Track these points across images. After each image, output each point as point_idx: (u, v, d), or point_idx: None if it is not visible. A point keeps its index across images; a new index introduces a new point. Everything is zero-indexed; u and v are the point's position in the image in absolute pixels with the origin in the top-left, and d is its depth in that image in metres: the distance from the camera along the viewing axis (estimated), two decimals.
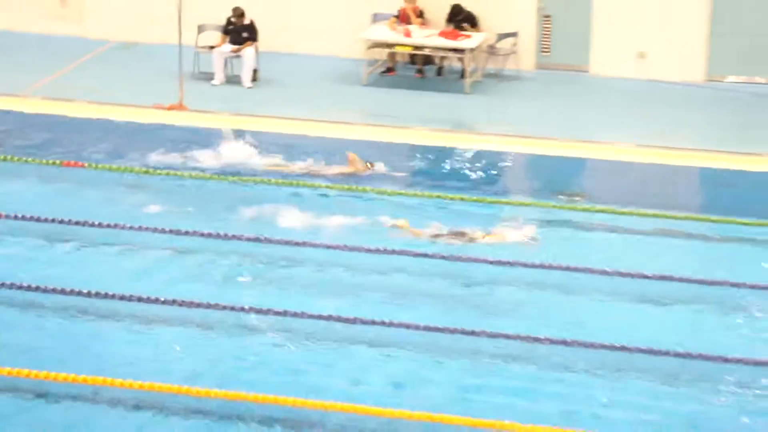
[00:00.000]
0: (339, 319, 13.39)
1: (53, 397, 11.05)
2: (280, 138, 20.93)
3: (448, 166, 19.79)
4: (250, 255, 15.43)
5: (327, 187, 18.61)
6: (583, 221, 17.98)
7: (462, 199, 18.32)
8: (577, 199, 18.68)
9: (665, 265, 15.71)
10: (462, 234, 16.81)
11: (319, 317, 13.47)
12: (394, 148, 21.16)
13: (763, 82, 25.93)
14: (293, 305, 13.51)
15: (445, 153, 20.36)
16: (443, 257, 15.80)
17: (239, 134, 20.34)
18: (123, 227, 16.02)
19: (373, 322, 13.18)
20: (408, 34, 24.00)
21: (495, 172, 19.98)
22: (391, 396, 12.46)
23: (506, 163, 20.68)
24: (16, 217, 16.25)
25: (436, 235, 16.76)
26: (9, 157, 19.20)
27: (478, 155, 20.05)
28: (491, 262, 15.50)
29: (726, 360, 12.47)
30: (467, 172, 19.56)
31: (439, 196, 18.50)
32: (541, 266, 15.47)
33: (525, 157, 21.41)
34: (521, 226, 16.89)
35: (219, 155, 19.24)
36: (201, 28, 24.43)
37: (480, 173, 19.53)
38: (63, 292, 13.64)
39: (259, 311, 13.63)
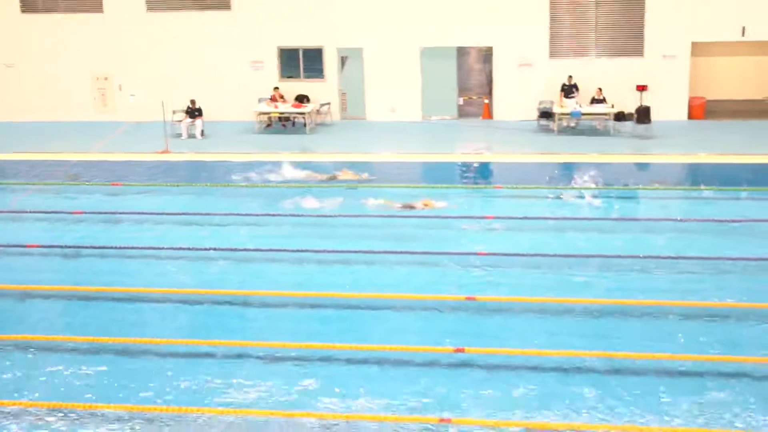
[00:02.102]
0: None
1: None
2: (238, 164, 30.03)
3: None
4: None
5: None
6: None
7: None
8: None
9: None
10: (411, 206, 24.83)
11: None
12: (286, 164, 29.33)
13: (449, 118, 37.20)
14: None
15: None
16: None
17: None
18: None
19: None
20: (276, 107, 35.40)
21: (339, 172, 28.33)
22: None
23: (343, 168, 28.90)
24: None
25: (404, 206, 24.88)
26: (87, 182, 28.47)
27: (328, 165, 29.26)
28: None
29: None
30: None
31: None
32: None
33: (347, 164, 29.38)
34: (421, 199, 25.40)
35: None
36: (174, 111, 35.06)
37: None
38: None
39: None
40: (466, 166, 30.38)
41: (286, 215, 24.47)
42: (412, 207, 24.71)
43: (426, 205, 24.75)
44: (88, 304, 19.19)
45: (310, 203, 25.40)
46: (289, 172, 28.67)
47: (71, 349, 16.49)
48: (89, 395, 14.40)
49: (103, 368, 15.61)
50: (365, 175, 27.97)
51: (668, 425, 13.31)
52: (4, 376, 15.03)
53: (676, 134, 33.24)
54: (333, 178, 27.96)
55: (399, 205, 24.86)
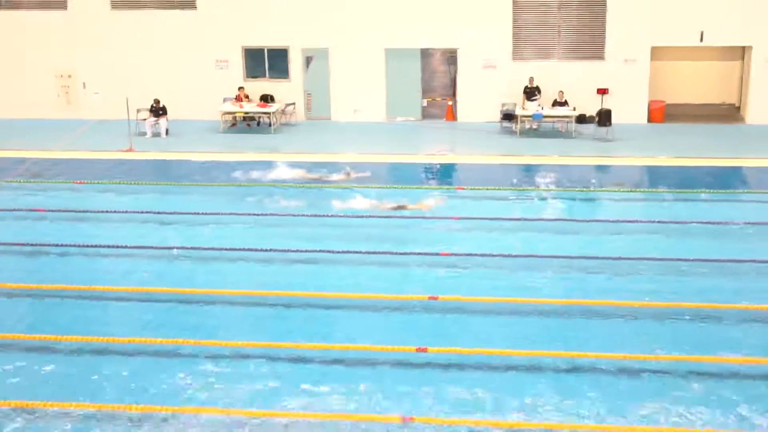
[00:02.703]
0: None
1: None
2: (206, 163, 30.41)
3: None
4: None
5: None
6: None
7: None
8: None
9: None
10: (404, 206, 24.48)
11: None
12: (251, 163, 29.63)
13: (413, 120, 37.03)
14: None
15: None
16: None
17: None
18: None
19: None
20: (241, 106, 35.34)
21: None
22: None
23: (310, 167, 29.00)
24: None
25: (396, 207, 24.50)
26: (47, 180, 28.33)
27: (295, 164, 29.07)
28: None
29: None
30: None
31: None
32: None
33: (314, 163, 29.54)
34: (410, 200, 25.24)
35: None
36: (138, 110, 34.96)
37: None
38: None
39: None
40: (429, 168, 30.60)
41: (250, 214, 24.53)
42: (403, 207, 24.51)
43: (421, 206, 24.66)
44: (49, 302, 19.04)
45: (277, 203, 25.50)
46: (255, 173, 28.48)
47: (29, 348, 16.37)
48: (49, 392, 14.37)
49: (63, 366, 15.58)
50: (348, 175, 27.79)
51: (628, 424, 13.46)
52: None
53: (637, 137, 33.61)
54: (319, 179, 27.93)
55: (390, 205, 24.62)
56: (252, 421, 13.80)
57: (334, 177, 28.08)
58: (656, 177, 29.42)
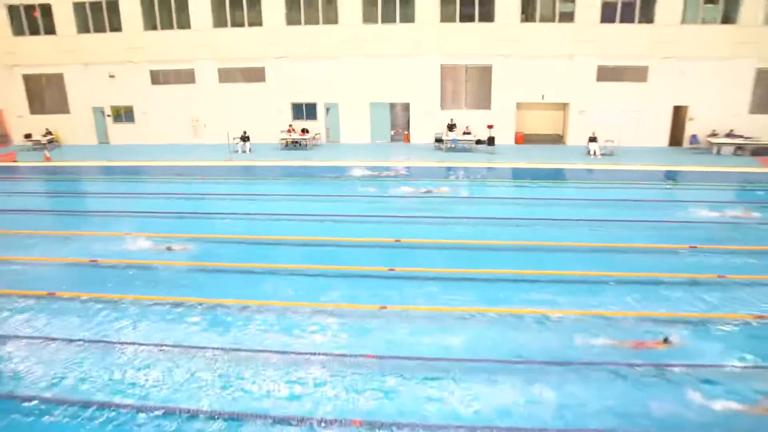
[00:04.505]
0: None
1: None
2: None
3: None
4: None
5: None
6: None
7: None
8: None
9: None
10: (430, 191, 24.00)
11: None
12: (307, 168, 28.89)
13: (385, 142, 35.92)
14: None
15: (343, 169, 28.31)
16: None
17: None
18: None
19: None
20: (290, 134, 35.21)
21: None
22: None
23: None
24: None
25: (426, 191, 23.98)
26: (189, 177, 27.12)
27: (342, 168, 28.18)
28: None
29: None
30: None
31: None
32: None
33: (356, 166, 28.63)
34: (438, 186, 24.74)
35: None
36: (234, 138, 34.78)
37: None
38: None
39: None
40: (395, 168, 29.33)
41: (320, 195, 24.07)
42: (429, 191, 24.09)
43: (429, 191, 24.37)
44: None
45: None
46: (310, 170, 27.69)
47: None
48: None
49: None
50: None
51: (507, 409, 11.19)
52: None
53: (508, 152, 33.54)
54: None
55: (423, 190, 24.26)
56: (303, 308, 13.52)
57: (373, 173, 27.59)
58: (520, 173, 29.02)
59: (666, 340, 12.14)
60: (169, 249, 17.60)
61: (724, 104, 33.34)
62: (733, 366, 11.51)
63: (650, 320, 13.25)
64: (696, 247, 17.88)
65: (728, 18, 32.61)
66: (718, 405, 10.30)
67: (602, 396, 10.83)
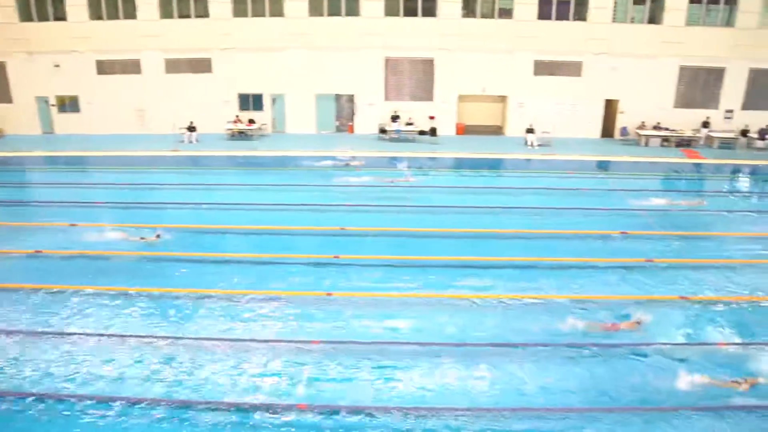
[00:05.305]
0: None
1: None
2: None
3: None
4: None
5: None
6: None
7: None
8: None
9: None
10: (374, 180, 23.80)
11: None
12: (254, 158, 28.40)
13: (330, 132, 35.28)
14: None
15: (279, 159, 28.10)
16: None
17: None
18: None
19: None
20: (237, 125, 33.84)
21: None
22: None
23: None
24: None
25: (370, 180, 23.88)
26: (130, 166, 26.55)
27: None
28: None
29: None
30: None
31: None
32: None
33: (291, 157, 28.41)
34: (406, 176, 24.62)
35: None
36: (180, 128, 32.79)
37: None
38: None
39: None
40: (341, 158, 28.47)
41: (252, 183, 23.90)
42: (373, 180, 23.99)
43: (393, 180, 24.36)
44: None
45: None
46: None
47: None
48: None
49: None
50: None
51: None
52: None
53: (450, 142, 33.23)
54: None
55: (366, 179, 24.24)
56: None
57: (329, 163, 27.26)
58: (461, 163, 29.11)
59: (637, 322, 12.53)
60: (118, 238, 17.34)
61: (652, 99, 34.05)
62: (662, 344, 11.93)
63: (586, 302, 13.63)
64: (627, 233, 18.32)
65: (654, 19, 33.44)
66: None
67: (540, 375, 11.11)
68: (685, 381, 10.60)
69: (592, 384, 10.83)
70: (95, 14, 34.76)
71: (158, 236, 17.26)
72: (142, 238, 17.16)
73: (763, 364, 11.20)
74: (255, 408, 10.09)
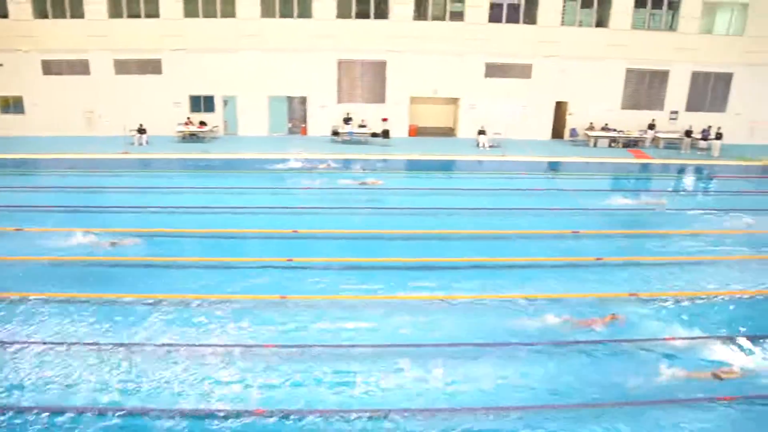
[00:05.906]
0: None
1: None
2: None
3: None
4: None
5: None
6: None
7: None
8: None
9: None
10: (366, 183, 23.65)
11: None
12: (206, 161, 28.23)
13: (283, 134, 35.40)
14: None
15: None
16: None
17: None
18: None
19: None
20: (188, 127, 33.73)
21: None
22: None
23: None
24: None
25: (362, 183, 23.79)
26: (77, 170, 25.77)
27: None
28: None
29: None
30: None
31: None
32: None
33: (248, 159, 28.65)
34: (375, 177, 24.37)
35: None
36: (130, 130, 32.45)
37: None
38: None
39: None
40: (294, 160, 28.53)
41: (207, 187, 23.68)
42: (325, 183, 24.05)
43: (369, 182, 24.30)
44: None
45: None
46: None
47: None
48: None
49: None
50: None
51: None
52: None
53: (402, 144, 33.50)
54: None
55: (319, 181, 24.14)
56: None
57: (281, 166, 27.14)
58: (413, 164, 29.39)
59: (613, 315, 12.74)
60: (68, 243, 16.90)
61: (600, 100, 34.88)
62: (617, 341, 12.15)
63: (538, 301, 13.75)
64: (578, 232, 18.61)
65: (601, 22, 34.34)
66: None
67: (499, 373, 11.18)
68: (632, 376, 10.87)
69: (548, 381, 10.97)
70: (40, 12, 34.16)
71: (113, 244, 16.94)
72: (113, 243, 16.85)
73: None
74: (211, 414, 9.93)
